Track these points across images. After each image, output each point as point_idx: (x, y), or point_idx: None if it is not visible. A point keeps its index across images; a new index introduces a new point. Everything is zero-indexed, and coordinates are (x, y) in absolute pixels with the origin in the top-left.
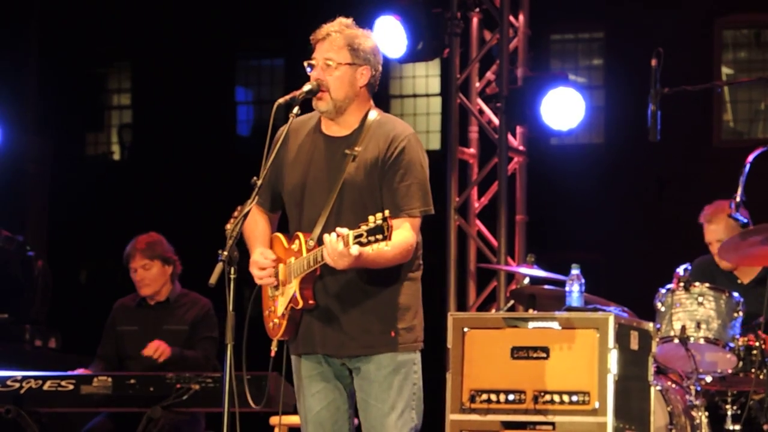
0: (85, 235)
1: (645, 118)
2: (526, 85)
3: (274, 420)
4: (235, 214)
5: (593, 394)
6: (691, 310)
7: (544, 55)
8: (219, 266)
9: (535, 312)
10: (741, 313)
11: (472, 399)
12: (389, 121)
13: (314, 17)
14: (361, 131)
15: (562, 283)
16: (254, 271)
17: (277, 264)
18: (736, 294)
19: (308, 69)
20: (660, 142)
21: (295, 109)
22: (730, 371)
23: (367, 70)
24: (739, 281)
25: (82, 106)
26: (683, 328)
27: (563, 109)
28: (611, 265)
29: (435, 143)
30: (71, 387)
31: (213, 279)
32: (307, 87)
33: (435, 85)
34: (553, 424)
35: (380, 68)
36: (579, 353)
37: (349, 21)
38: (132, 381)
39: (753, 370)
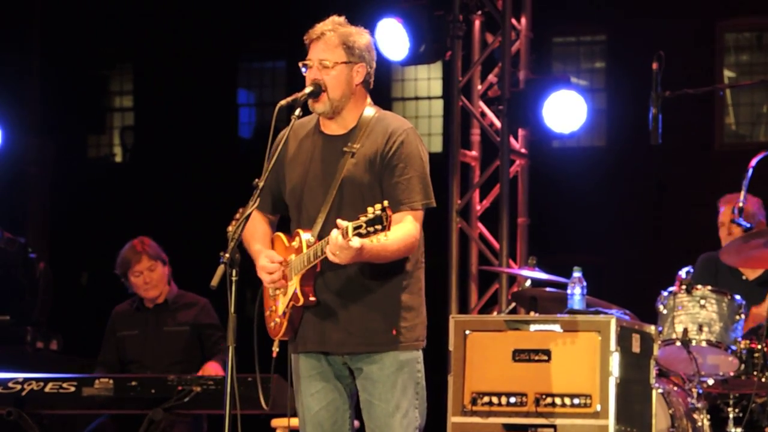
0: (86, 237)
1: (647, 121)
2: (528, 88)
3: (275, 422)
4: (237, 216)
5: (595, 396)
6: (693, 313)
7: (546, 58)
8: (221, 268)
9: (537, 315)
10: (743, 316)
11: (474, 401)
12: (386, 117)
13: (316, 20)
14: (359, 128)
15: (564, 286)
16: (262, 276)
17: (282, 264)
18: (738, 297)
19: (303, 69)
20: (662, 145)
21: (297, 111)
22: (732, 374)
23: (362, 67)
24: (744, 278)
25: (84, 109)
26: (685, 330)
27: (565, 111)
28: (613, 268)
29: (437, 146)
30: (73, 389)
31: (215, 281)
32: (308, 89)
33: (437, 87)
34: (554, 426)
35: (374, 65)
36: (581, 356)
37: (342, 19)
38: (133, 383)
39: (755, 373)
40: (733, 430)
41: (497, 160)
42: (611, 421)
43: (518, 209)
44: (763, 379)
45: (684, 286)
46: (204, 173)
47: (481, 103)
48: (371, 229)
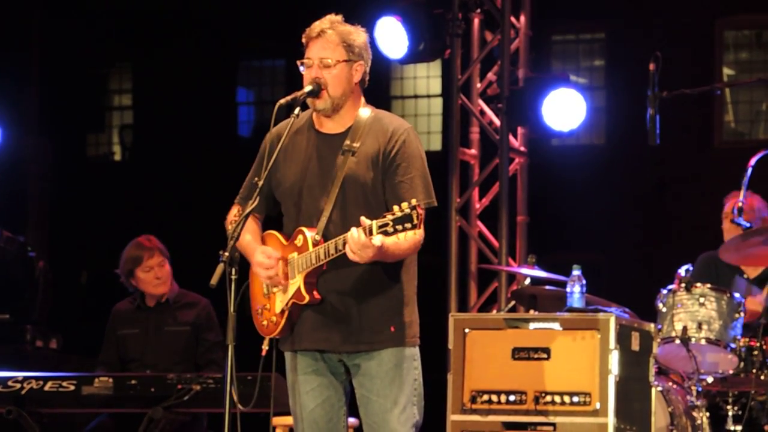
0: (85, 235)
1: (645, 120)
2: (527, 86)
3: (275, 421)
4: (234, 210)
5: (594, 394)
6: (692, 311)
7: (545, 56)
8: (220, 267)
9: (536, 313)
10: (742, 314)
11: (473, 400)
12: (385, 116)
13: (315, 19)
14: (357, 127)
15: (563, 284)
16: (260, 271)
17: (279, 261)
18: (737, 295)
19: (301, 68)
20: (661, 143)
21: (296, 110)
22: (731, 372)
23: (361, 66)
24: (745, 276)
25: (83, 107)
26: (684, 328)
27: (564, 110)
28: (612, 266)
29: (436, 144)
30: (72, 388)
31: (214, 280)
32: (308, 88)
33: (436, 86)
34: (554, 424)
35: (370, 63)
36: (580, 354)
37: (339, 17)
38: (133, 382)
39: (754, 371)
40: (732, 427)
41: (496, 159)
42: (610, 419)
43: (517, 207)
44: (762, 377)
45: (683, 284)
46: (203, 172)
47: (481, 102)
48: (399, 227)
